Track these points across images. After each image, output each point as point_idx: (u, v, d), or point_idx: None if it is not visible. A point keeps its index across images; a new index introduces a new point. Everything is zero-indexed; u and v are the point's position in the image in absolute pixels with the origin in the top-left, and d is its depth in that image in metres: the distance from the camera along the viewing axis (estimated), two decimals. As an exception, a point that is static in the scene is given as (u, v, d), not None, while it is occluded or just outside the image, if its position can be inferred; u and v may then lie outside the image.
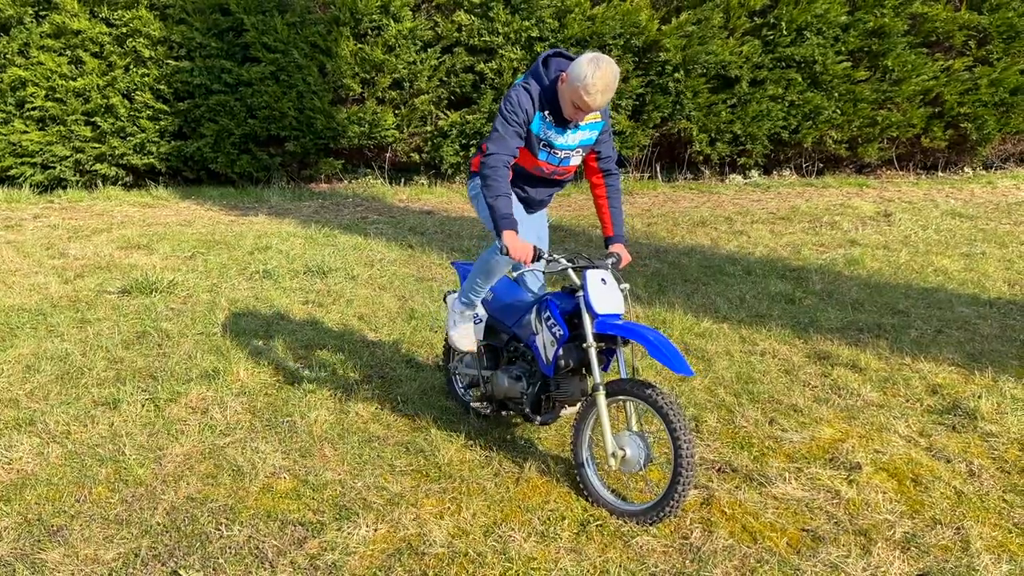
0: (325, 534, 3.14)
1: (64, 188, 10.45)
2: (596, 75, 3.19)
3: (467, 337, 3.88)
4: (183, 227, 8.47)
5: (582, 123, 3.52)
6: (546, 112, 3.43)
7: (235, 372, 4.59)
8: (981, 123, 11.03)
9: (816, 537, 3.13)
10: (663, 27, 10.32)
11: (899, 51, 10.58)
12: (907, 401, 4.33)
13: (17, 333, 5.25)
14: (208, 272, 6.74)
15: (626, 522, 3.20)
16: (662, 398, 3.11)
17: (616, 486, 3.45)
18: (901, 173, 11.72)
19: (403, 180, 11.13)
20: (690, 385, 4.50)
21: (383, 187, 10.83)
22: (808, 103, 10.74)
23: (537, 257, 3.36)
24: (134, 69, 10.14)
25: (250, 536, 3.13)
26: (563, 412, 3.82)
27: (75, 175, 10.49)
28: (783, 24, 10.37)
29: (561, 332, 3.37)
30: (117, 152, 10.36)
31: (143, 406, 4.20)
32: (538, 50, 10.22)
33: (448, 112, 10.67)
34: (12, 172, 10.26)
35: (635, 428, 3.31)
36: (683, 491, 3.08)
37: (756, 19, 10.58)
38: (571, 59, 3.39)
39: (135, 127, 10.30)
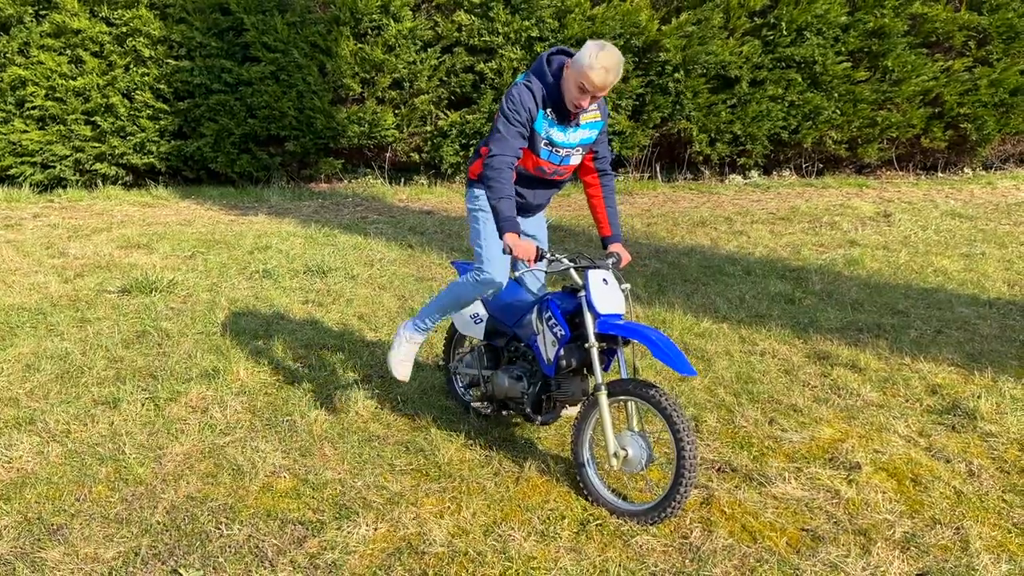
0: (325, 533, 3.14)
1: (64, 187, 10.45)
2: (601, 54, 3.21)
3: (405, 364, 3.86)
4: (183, 227, 8.47)
5: (583, 122, 3.52)
6: (548, 110, 3.43)
7: (235, 371, 4.59)
8: (981, 124, 11.04)
9: (816, 537, 3.13)
10: (663, 27, 10.32)
11: (899, 51, 10.59)
12: (907, 401, 4.33)
13: (17, 332, 5.25)
14: (208, 271, 6.74)
15: (626, 522, 3.20)
16: (664, 398, 3.12)
17: (616, 486, 3.45)
18: (901, 173, 11.73)
19: (403, 180, 11.14)
20: (690, 385, 4.50)
21: (383, 187, 10.83)
22: (808, 103, 10.75)
23: (540, 257, 3.36)
24: (134, 68, 10.15)
25: (250, 535, 3.13)
26: (564, 412, 3.82)
27: (75, 174, 10.49)
28: (783, 24, 10.38)
29: (563, 332, 3.37)
30: (117, 151, 10.36)
31: (143, 405, 4.20)
32: (538, 50, 10.23)
33: (448, 112, 10.67)
34: (12, 171, 10.26)
35: (636, 428, 3.32)
36: (685, 491, 3.08)
37: (756, 19, 10.59)
38: (573, 55, 3.40)
39: (135, 126, 10.30)
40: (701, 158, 11.21)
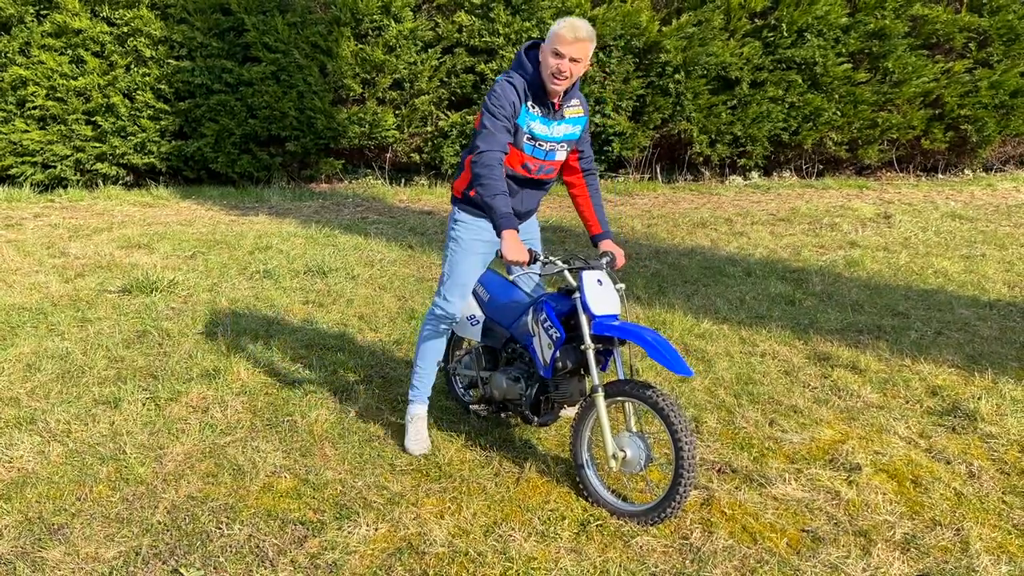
0: (325, 533, 3.14)
1: (65, 187, 10.46)
2: (567, 19, 3.26)
3: (419, 442, 3.79)
4: (183, 227, 8.47)
5: (567, 115, 3.51)
6: (530, 103, 3.41)
7: (236, 371, 4.60)
8: (981, 125, 11.05)
9: (816, 538, 3.13)
10: (664, 28, 10.33)
11: (899, 53, 10.60)
12: (907, 402, 4.34)
13: (18, 332, 5.25)
14: (208, 272, 6.74)
15: (626, 522, 3.20)
16: (662, 399, 3.11)
17: (616, 487, 3.45)
18: (901, 175, 11.73)
19: (403, 180, 11.14)
20: (690, 386, 4.50)
21: (383, 187, 10.84)
22: (808, 105, 10.75)
23: (533, 259, 3.36)
24: (135, 68, 10.16)
25: (251, 535, 3.13)
26: (562, 413, 3.82)
27: (76, 174, 10.50)
28: (784, 26, 10.39)
29: (558, 335, 3.36)
30: (118, 151, 10.37)
31: (144, 405, 4.20)
32: (539, 51, 10.24)
33: (448, 113, 10.68)
34: (13, 171, 10.27)
35: (635, 429, 3.31)
36: (684, 492, 3.08)
37: (757, 21, 10.60)
38: None
39: (136, 126, 10.31)
40: (701, 159, 11.22)
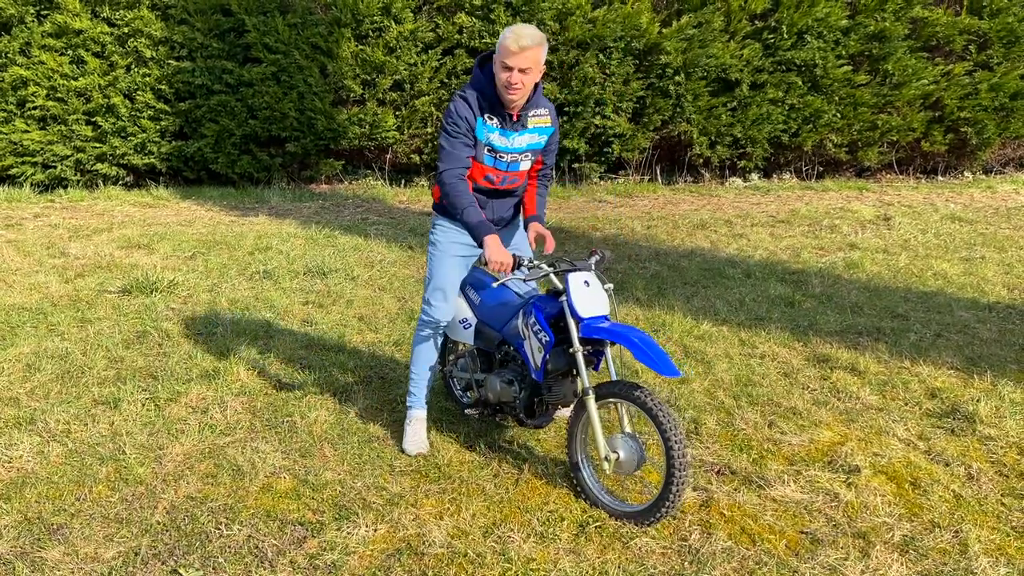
0: (325, 534, 3.14)
1: (65, 187, 10.47)
2: (512, 29, 3.25)
3: (416, 443, 3.80)
4: (183, 227, 8.48)
5: (530, 125, 3.49)
6: (487, 116, 3.42)
7: (235, 372, 4.60)
8: (981, 127, 11.05)
9: (815, 539, 3.14)
10: (664, 30, 10.34)
11: (899, 55, 10.61)
12: (906, 404, 4.34)
13: (18, 332, 5.25)
14: (208, 272, 6.75)
15: (625, 524, 3.20)
16: (650, 399, 3.10)
17: (613, 487, 3.45)
18: (901, 177, 11.74)
19: (403, 181, 11.15)
20: (689, 388, 4.50)
21: (383, 188, 10.84)
22: (808, 107, 10.76)
23: (517, 265, 3.36)
24: (135, 69, 10.16)
25: (250, 535, 3.13)
26: (557, 414, 3.81)
27: (76, 175, 10.50)
28: (784, 28, 10.39)
29: (547, 338, 3.35)
30: (118, 152, 10.37)
31: (143, 405, 4.21)
32: (539, 52, 10.24)
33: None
34: (13, 171, 10.28)
35: (628, 430, 3.31)
36: (678, 491, 3.07)
37: (757, 23, 10.60)
38: None
39: (136, 127, 10.31)
40: (701, 161, 11.22)
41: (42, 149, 10.20)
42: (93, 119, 10.24)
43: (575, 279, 3.30)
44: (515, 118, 3.46)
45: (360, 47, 10.22)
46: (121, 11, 9.98)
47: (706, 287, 6.49)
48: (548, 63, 10.33)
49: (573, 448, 3.41)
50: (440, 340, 3.93)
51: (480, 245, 3.39)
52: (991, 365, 4.84)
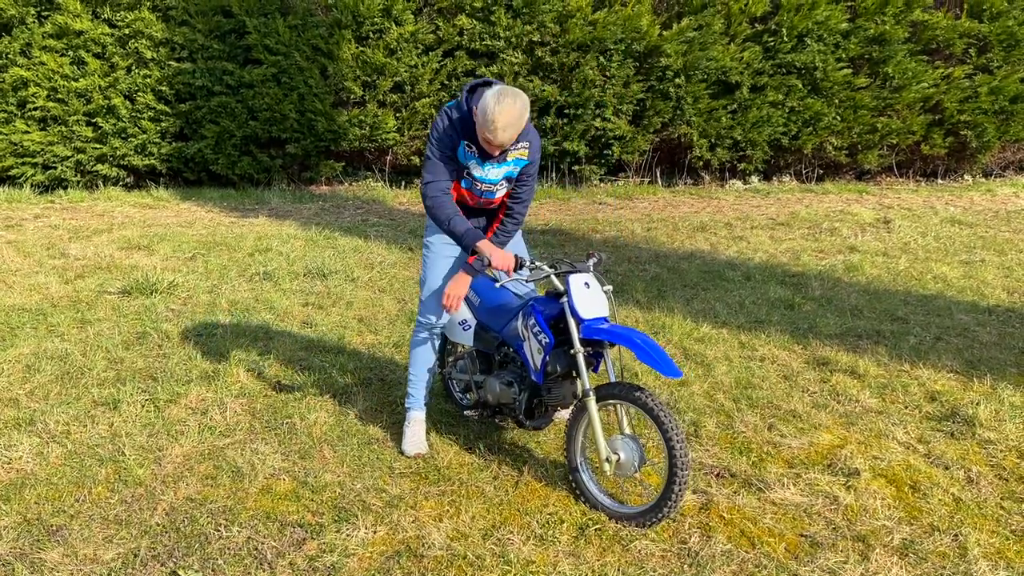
0: (324, 536, 3.14)
1: (65, 188, 10.47)
2: (498, 110, 3.14)
3: (415, 444, 3.79)
4: (183, 228, 8.48)
5: (509, 158, 3.48)
6: (467, 142, 3.42)
7: (235, 373, 4.60)
8: (981, 131, 11.06)
9: (814, 543, 3.14)
10: (664, 33, 10.35)
11: (899, 58, 10.62)
12: (906, 408, 4.34)
13: (17, 333, 5.25)
14: (208, 273, 6.75)
15: (625, 526, 3.20)
16: (651, 400, 3.11)
17: (612, 489, 3.45)
18: (901, 180, 11.75)
19: (403, 183, 11.15)
20: (689, 390, 4.50)
21: (383, 190, 10.85)
22: (808, 109, 10.77)
23: (519, 266, 3.37)
24: (136, 70, 10.17)
25: (249, 537, 3.13)
26: (556, 416, 3.81)
27: (76, 175, 10.50)
28: (784, 31, 10.40)
29: (547, 340, 3.36)
30: (118, 153, 10.38)
31: (143, 407, 4.21)
32: (539, 54, 10.25)
33: (449, 116, 10.68)
34: (13, 172, 10.28)
35: (627, 431, 3.31)
36: (679, 492, 3.08)
37: (757, 25, 10.62)
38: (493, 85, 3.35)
39: (136, 128, 10.32)
40: (701, 163, 11.23)
41: (42, 150, 10.20)
42: (93, 120, 10.25)
43: (576, 280, 3.31)
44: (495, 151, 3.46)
45: (361, 49, 10.22)
46: (122, 12, 9.99)
47: (706, 289, 6.49)
48: (548, 65, 10.37)
49: (572, 450, 3.40)
50: (438, 341, 3.93)
51: (470, 253, 3.40)
52: (991, 368, 4.84)
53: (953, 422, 4.14)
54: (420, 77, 10.35)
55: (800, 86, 10.68)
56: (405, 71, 10.30)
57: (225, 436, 3.93)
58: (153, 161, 10.54)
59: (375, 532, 3.17)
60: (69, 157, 10.31)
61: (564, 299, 3.31)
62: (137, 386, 4.45)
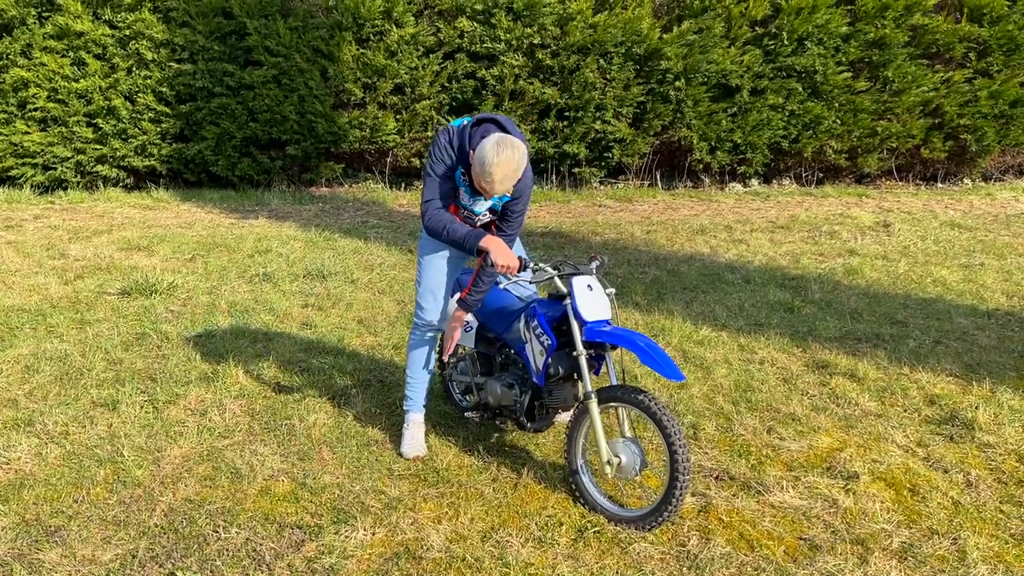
0: (323, 537, 3.14)
1: (65, 189, 10.47)
2: (496, 162, 3.15)
3: (415, 446, 3.80)
4: (183, 229, 8.48)
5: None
6: (463, 170, 3.44)
7: (234, 375, 4.60)
8: (981, 135, 11.07)
9: (813, 546, 3.13)
10: (664, 36, 10.35)
11: (899, 62, 10.62)
12: (905, 411, 4.34)
13: (17, 333, 5.25)
14: (208, 274, 6.75)
15: (624, 529, 3.20)
16: (653, 403, 3.11)
17: (612, 492, 3.45)
18: (900, 184, 11.75)
19: (403, 185, 11.15)
20: (688, 393, 4.50)
21: (383, 191, 10.85)
22: (808, 113, 10.78)
23: (523, 267, 3.37)
24: (136, 71, 10.17)
25: (248, 539, 3.13)
26: (557, 418, 3.81)
27: (76, 176, 10.51)
28: (784, 34, 10.41)
29: (549, 342, 3.36)
30: (118, 154, 10.38)
31: (142, 407, 4.20)
32: (539, 57, 10.26)
33: (449, 118, 10.69)
34: (13, 172, 10.28)
35: (628, 434, 3.31)
36: (680, 495, 3.08)
37: (757, 29, 10.62)
38: (501, 128, 3.34)
39: (136, 129, 10.32)
40: (701, 166, 11.23)
41: (42, 151, 10.21)
42: (94, 121, 10.25)
43: (579, 282, 3.31)
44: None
45: (361, 51, 10.23)
46: (123, 13, 10.00)
47: (705, 292, 6.49)
48: (549, 67, 10.37)
49: (573, 453, 3.40)
50: (436, 343, 3.93)
51: (476, 253, 3.39)
52: (990, 372, 4.84)
53: (952, 426, 4.14)
54: (420, 79, 10.36)
55: (800, 89, 10.69)
56: (406, 73, 10.30)
57: (224, 437, 3.93)
58: (153, 162, 10.54)
59: (374, 534, 3.17)
60: (69, 158, 10.31)
61: (567, 301, 3.31)
62: (136, 387, 4.44)
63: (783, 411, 4.30)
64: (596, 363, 3.45)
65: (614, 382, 3.33)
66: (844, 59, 10.64)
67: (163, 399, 4.29)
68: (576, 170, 11.06)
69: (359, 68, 10.26)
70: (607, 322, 3.31)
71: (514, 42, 10.21)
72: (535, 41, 10.21)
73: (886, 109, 10.92)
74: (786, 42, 10.44)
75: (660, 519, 3.13)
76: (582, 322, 3.27)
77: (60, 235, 8.09)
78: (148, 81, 10.17)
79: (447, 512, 3.33)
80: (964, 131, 11.07)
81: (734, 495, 3.47)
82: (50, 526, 3.18)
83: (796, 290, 6.56)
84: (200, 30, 10.11)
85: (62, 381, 4.52)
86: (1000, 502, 3.45)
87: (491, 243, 3.36)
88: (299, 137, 10.53)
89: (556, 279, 3.39)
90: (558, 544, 3.12)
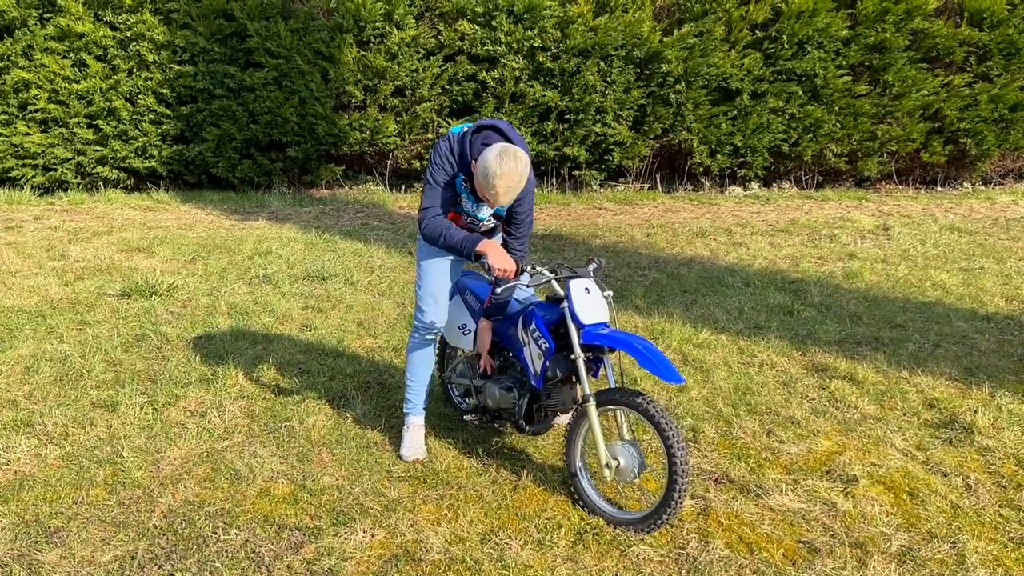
0: (322, 539, 3.14)
1: (65, 190, 10.48)
2: (499, 174, 3.15)
3: (414, 449, 3.80)
4: (183, 231, 8.48)
5: None
6: (464, 177, 3.44)
7: (234, 376, 4.60)
8: (980, 139, 11.07)
9: (812, 549, 3.14)
10: (665, 39, 10.37)
11: (899, 66, 10.64)
12: (904, 415, 4.34)
13: (16, 334, 5.25)
14: (208, 276, 6.75)
15: (623, 531, 3.20)
16: (652, 406, 3.11)
17: (611, 495, 3.45)
18: (900, 187, 11.76)
19: (404, 187, 11.16)
20: (688, 396, 4.50)
21: (384, 194, 10.86)
22: (808, 116, 10.79)
23: (520, 271, 3.37)
24: (137, 73, 10.18)
25: (247, 540, 3.13)
26: (555, 421, 3.81)
27: (76, 177, 10.52)
28: (784, 38, 10.42)
29: (547, 345, 3.36)
30: (119, 155, 10.39)
31: (141, 409, 4.20)
32: (540, 60, 10.27)
33: (450, 120, 10.70)
34: (13, 173, 10.29)
35: (627, 437, 3.31)
36: (679, 498, 3.08)
37: (758, 32, 10.63)
38: (502, 135, 3.34)
39: (137, 130, 10.33)
40: (701, 169, 11.24)
41: (43, 152, 10.22)
42: (94, 122, 10.26)
43: (576, 285, 3.31)
44: None
45: (362, 53, 10.24)
46: (124, 15, 10.01)
47: (705, 295, 6.49)
48: (549, 70, 10.38)
49: (572, 455, 3.40)
50: (436, 345, 3.93)
51: (473, 258, 3.39)
52: (989, 376, 4.85)
53: (951, 429, 4.14)
54: (421, 81, 10.37)
55: (800, 93, 10.70)
56: (406, 75, 10.31)
57: (223, 439, 3.93)
58: (153, 164, 10.55)
59: (373, 536, 3.17)
60: (70, 159, 10.32)
61: (564, 304, 3.31)
62: (136, 388, 4.45)
63: (782, 414, 4.30)
64: (594, 366, 3.45)
65: (613, 385, 3.33)
66: (844, 63, 10.65)
67: (163, 400, 4.29)
68: (576, 173, 11.07)
69: (360, 70, 10.27)
70: (605, 325, 3.31)
71: (515, 45, 10.22)
72: (536, 44, 10.23)
73: (886, 113, 10.94)
74: (786, 46, 10.45)
75: (659, 522, 3.13)
76: (579, 325, 3.27)
77: (60, 236, 8.09)
78: (149, 83, 10.18)
79: (446, 514, 3.33)
80: (964, 135, 11.08)
81: (733, 498, 3.47)
82: (49, 527, 3.19)
83: (796, 293, 6.57)
84: (201, 32, 10.12)
85: (62, 382, 4.53)
86: (999, 506, 3.45)
87: (487, 247, 3.36)
88: (299, 139, 10.54)
89: (553, 282, 3.39)
90: (557, 546, 3.12)
